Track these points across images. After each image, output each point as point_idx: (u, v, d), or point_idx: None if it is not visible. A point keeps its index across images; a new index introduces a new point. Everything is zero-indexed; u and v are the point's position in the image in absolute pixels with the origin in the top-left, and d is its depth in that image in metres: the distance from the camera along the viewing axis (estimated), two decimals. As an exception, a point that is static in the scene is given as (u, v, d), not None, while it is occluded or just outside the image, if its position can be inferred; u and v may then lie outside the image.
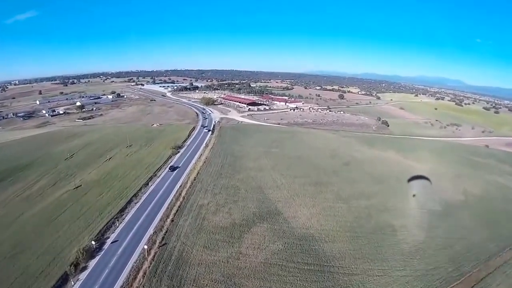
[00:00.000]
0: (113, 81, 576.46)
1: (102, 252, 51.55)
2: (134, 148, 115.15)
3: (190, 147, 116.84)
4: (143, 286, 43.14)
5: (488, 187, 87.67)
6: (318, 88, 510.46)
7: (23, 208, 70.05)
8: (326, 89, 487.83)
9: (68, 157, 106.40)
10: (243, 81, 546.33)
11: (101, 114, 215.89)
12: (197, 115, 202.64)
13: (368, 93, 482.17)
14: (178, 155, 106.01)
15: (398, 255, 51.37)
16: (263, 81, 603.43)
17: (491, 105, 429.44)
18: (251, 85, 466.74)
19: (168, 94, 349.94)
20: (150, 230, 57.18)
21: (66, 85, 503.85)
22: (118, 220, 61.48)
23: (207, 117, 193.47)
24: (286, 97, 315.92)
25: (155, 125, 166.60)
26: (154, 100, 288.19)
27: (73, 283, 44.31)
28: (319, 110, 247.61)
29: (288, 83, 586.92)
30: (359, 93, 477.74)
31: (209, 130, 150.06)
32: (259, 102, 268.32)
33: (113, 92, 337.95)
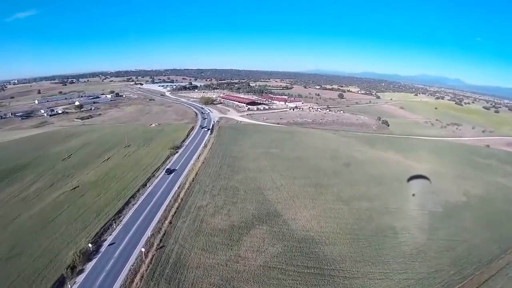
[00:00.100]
0: (112, 81, 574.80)
1: (99, 255, 50.77)
2: (132, 148, 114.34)
3: (188, 147, 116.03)
4: (140, 290, 42.18)
5: (489, 188, 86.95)
6: (317, 87, 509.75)
7: (20, 210, 69.18)
8: (325, 89, 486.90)
9: (66, 158, 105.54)
10: (243, 81, 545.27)
11: (99, 114, 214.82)
12: (196, 114, 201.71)
13: (367, 92, 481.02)
14: (177, 155, 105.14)
15: (400, 257, 50.61)
16: (262, 80, 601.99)
17: (491, 104, 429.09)
18: (251, 85, 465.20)
19: (167, 94, 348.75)
20: (148, 232, 56.35)
21: (65, 85, 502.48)
22: (115, 222, 60.62)
23: (206, 117, 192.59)
24: (285, 97, 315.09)
25: (153, 125, 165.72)
26: (153, 100, 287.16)
27: (70, 286, 43.57)
28: (319, 109, 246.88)
29: (288, 82, 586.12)
30: (359, 92, 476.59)
31: (208, 130, 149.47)
32: (259, 102, 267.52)
33: (112, 92, 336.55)
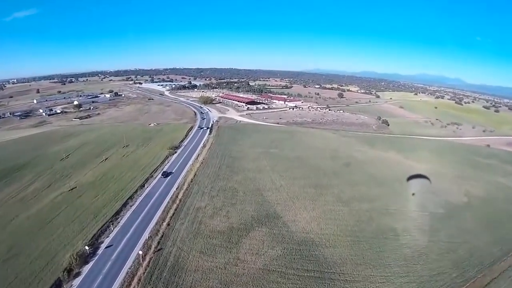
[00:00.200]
0: (111, 80, 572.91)
1: (96, 257, 50.09)
2: (131, 148, 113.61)
3: (187, 147, 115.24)
4: (138, 294, 41.51)
5: (491, 188, 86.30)
6: (317, 86, 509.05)
7: (18, 210, 68.83)
8: (325, 88, 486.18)
9: (64, 158, 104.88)
10: (242, 80, 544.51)
11: (98, 113, 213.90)
12: (195, 114, 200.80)
13: (367, 91, 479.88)
14: (175, 155, 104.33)
15: (401, 260, 49.90)
16: (262, 79, 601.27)
17: (491, 103, 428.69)
18: (250, 84, 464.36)
19: (166, 93, 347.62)
20: (146, 235, 55.62)
21: (64, 84, 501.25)
22: (113, 224, 59.89)
23: (205, 116, 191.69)
24: (285, 96, 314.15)
25: (152, 125, 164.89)
26: (152, 99, 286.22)
27: (66, 290, 42.86)
28: (319, 109, 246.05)
29: (287, 81, 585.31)
30: (359, 91, 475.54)
31: (207, 129, 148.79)
32: (258, 101, 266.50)
33: (111, 91, 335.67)
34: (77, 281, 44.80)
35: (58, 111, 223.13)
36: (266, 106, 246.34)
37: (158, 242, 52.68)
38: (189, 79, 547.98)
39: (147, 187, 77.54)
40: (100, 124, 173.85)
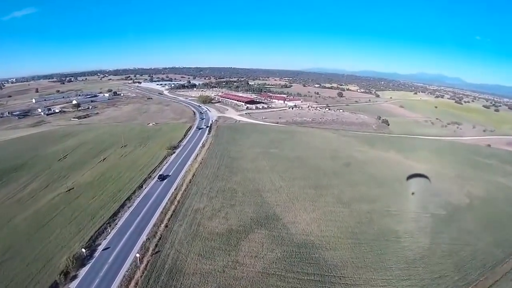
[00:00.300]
0: (110, 79, 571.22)
1: (93, 260, 49.43)
2: (129, 148, 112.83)
3: (186, 147, 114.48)
4: (135, 298, 40.88)
5: (492, 189, 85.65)
6: (317, 85, 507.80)
7: (14, 212, 68.29)
8: (325, 87, 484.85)
9: (62, 158, 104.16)
10: (241, 79, 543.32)
11: (97, 113, 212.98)
12: (194, 113, 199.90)
13: (367, 91, 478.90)
14: (174, 155, 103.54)
15: (402, 263, 49.17)
16: (261, 78, 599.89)
17: (491, 103, 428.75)
18: (249, 83, 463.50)
19: (165, 92, 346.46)
20: (143, 237, 54.90)
21: (63, 83, 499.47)
22: (110, 226, 59.16)
23: (204, 116, 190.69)
24: (284, 95, 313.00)
25: (151, 124, 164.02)
26: (151, 98, 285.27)
27: (62, 293, 42.27)
28: (318, 108, 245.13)
29: (287, 80, 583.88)
30: (358, 91, 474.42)
31: (206, 128, 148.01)
32: (257, 100, 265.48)
33: (109, 90, 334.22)
34: (73, 284, 44.19)
35: (57, 111, 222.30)
36: (265, 106, 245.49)
37: (156, 245, 51.96)
38: (188, 78, 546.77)
39: (145, 188, 76.76)
40: (99, 124, 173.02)
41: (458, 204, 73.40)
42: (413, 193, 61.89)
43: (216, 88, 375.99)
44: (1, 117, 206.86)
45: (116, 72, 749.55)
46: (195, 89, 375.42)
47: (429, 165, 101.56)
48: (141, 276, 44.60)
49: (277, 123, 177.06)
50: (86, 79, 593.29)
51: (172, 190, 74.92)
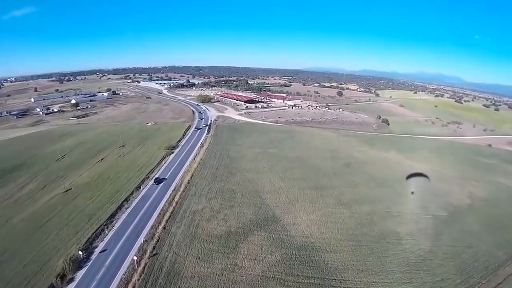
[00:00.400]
0: (109, 78, 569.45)
1: (90, 263, 48.79)
2: (128, 148, 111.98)
3: (185, 147, 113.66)
4: (132, 302, 40.21)
5: (494, 190, 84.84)
6: (316, 85, 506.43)
7: (11, 213, 67.52)
8: (324, 86, 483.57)
9: (60, 158, 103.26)
10: (241, 78, 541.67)
11: (95, 112, 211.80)
12: (193, 113, 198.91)
13: (367, 90, 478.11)
14: (172, 155, 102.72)
15: (404, 266, 48.43)
16: (261, 78, 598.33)
17: (491, 102, 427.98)
18: (249, 82, 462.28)
19: (164, 91, 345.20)
20: (141, 239, 54.13)
21: (62, 82, 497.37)
22: (107, 227, 58.41)
23: (203, 116, 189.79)
24: (284, 94, 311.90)
25: (149, 124, 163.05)
26: (150, 98, 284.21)
27: (59, 296, 41.68)
28: (318, 107, 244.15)
29: (286, 80, 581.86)
30: (358, 90, 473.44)
31: (205, 128, 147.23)
32: (257, 100, 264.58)
33: (108, 89, 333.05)
34: (70, 287, 43.68)
35: (55, 110, 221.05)
36: (265, 105, 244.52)
37: (154, 247, 51.23)
38: (188, 77, 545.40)
39: (143, 189, 75.94)
40: (97, 124, 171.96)
41: (459, 205, 72.67)
42: (412, 193, 61.36)
43: (216, 87, 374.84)
44: (0, 116, 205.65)
45: (115, 71, 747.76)
46: (194, 88, 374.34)
47: (429, 165, 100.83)
48: (138, 279, 43.92)
49: (277, 122, 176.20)
50: (85, 78, 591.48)
51: (170, 191, 74.09)
